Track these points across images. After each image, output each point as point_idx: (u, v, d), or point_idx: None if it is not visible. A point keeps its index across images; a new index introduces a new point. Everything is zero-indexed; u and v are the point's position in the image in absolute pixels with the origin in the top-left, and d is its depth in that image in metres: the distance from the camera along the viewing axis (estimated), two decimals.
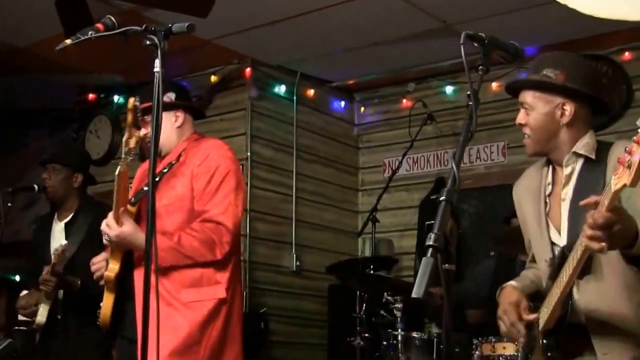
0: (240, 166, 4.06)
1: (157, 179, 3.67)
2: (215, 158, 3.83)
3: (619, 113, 6.68)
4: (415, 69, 7.42)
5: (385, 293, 5.40)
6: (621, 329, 2.87)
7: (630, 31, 6.35)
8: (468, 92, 2.47)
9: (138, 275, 3.66)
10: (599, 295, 2.91)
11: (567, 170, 3.11)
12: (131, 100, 3.49)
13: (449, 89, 7.48)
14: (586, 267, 2.80)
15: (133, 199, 3.82)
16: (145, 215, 3.52)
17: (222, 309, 3.76)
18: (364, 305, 5.85)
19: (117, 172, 3.61)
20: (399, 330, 5.10)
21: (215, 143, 3.96)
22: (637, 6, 3.74)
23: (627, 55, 6.74)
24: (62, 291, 4.94)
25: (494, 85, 6.90)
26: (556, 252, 3.08)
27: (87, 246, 4.84)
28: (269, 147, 7.29)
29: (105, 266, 3.78)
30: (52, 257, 4.79)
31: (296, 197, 7.43)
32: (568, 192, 3.08)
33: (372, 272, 6.05)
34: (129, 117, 3.51)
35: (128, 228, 3.64)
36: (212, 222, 3.71)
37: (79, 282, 4.82)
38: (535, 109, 3.10)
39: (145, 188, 3.67)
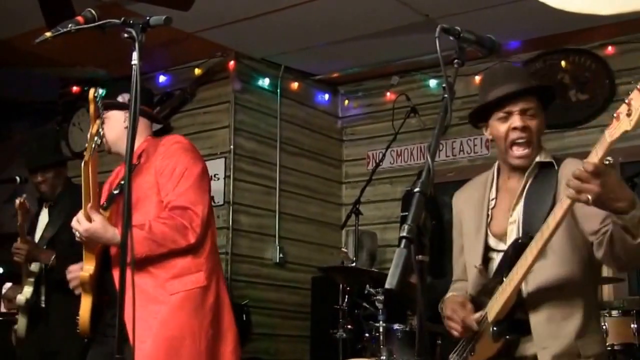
0: (203, 157, 4.08)
1: (122, 182, 3.68)
2: (176, 151, 3.87)
3: (602, 107, 6.73)
4: (398, 63, 7.44)
5: (367, 285, 5.42)
6: (561, 324, 2.90)
7: (613, 25, 6.38)
8: (443, 85, 2.49)
9: (117, 273, 3.65)
10: (546, 288, 2.93)
11: (529, 179, 3.13)
12: (91, 91, 3.49)
13: (432, 83, 7.49)
14: (535, 261, 2.83)
15: (105, 204, 3.81)
16: (119, 214, 3.56)
17: (208, 297, 3.76)
18: (347, 297, 5.86)
19: (82, 162, 3.59)
20: (381, 322, 5.12)
21: (175, 138, 3.99)
22: (607, 1, 3.77)
23: (609, 49, 6.78)
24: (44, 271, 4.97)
25: (477, 78, 6.91)
26: (494, 257, 3.13)
27: (67, 227, 4.85)
28: (252, 140, 7.30)
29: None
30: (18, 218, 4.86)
31: (280, 190, 7.44)
32: (520, 205, 3.09)
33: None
34: (91, 107, 3.51)
35: (97, 224, 3.62)
36: (178, 209, 3.73)
37: (54, 256, 4.85)
38: (539, 114, 3.08)
39: (115, 192, 3.72)
